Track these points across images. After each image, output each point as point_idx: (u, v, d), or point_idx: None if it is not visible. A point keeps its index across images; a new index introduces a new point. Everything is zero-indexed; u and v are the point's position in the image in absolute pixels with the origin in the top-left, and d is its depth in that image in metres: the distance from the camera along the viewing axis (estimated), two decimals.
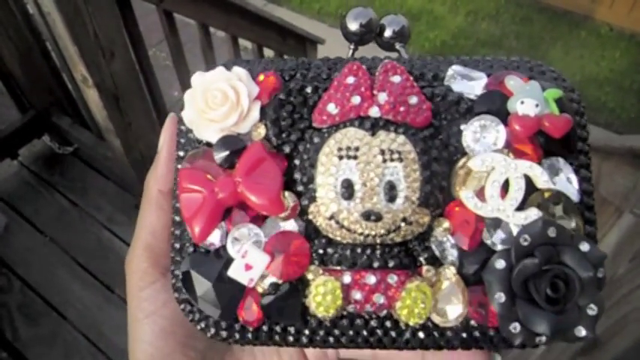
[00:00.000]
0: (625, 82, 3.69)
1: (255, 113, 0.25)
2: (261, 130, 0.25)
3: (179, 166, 0.26)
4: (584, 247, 0.23)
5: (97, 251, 1.84)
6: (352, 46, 0.30)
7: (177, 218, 0.26)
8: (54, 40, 1.49)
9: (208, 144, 0.25)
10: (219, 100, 0.24)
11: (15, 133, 1.94)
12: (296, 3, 4.25)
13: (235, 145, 0.24)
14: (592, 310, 0.23)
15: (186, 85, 1.49)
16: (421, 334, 0.24)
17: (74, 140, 2.03)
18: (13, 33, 1.69)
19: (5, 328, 1.65)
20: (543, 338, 0.23)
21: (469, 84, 0.25)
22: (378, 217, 0.23)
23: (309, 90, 0.25)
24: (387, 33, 0.30)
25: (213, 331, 0.25)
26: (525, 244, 0.22)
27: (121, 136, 1.53)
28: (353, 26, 0.29)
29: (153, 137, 1.67)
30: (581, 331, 0.23)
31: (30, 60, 1.78)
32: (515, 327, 0.23)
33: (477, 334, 0.24)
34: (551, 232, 0.22)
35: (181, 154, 0.26)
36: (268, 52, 2.21)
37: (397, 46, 0.30)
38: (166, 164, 0.28)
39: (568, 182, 0.24)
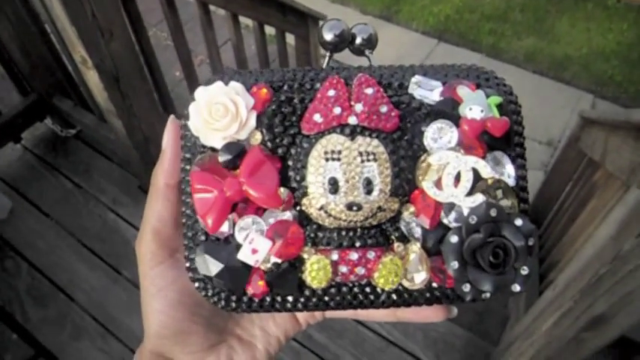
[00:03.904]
0: (632, 55, 3.63)
1: (252, 122, 0.30)
2: (258, 136, 0.30)
3: (188, 167, 0.30)
4: (518, 222, 0.29)
5: (103, 233, 1.85)
6: (328, 54, 0.35)
7: (188, 212, 0.30)
8: (52, 22, 1.47)
9: (212, 149, 0.30)
10: (222, 113, 0.29)
11: (17, 117, 1.94)
12: None
13: (237, 150, 0.29)
14: (524, 270, 0.29)
15: (186, 64, 1.48)
16: (394, 296, 0.30)
17: (76, 123, 2.03)
18: (11, 16, 1.67)
19: (15, 311, 1.68)
20: (488, 294, 0.29)
21: (428, 92, 0.30)
22: (359, 208, 0.29)
23: (296, 100, 0.30)
24: (358, 40, 0.35)
25: (224, 303, 0.30)
26: (473, 222, 0.28)
27: (122, 117, 1.52)
28: (328, 37, 0.34)
29: (155, 118, 1.67)
30: (517, 287, 0.29)
31: (29, 43, 1.77)
32: (467, 287, 0.29)
33: (437, 293, 0.30)
34: (493, 212, 0.28)
35: (187, 155, 0.31)
36: (269, 30, 2.19)
37: (366, 52, 0.35)
38: (172, 162, 0.32)
39: (506, 170, 0.30)
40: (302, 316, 0.37)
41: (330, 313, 0.36)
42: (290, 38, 2.39)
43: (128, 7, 1.56)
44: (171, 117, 0.33)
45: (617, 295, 0.93)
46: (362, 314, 0.34)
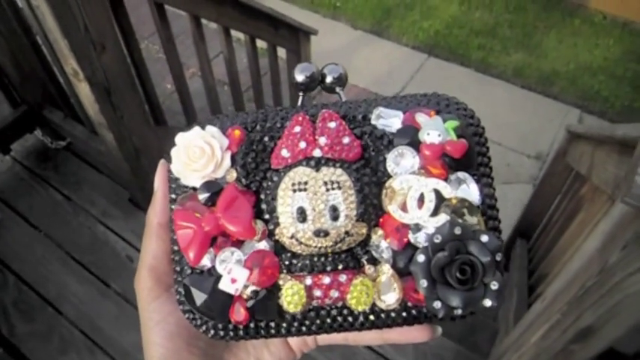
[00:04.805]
0: (618, 70, 3.69)
1: (227, 161, 0.32)
2: (233, 174, 0.32)
3: (173, 207, 0.33)
4: (484, 238, 0.29)
5: (92, 245, 1.83)
6: (301, 94, 0.37)
7: (176, 248, 0.32)
8: (44, 34, 1.48)
9: (194, 188, 0.32)
10: (198, 155, 0.31)
11: (7, 128, 1.93)
12: None
13: (214, 188, 0.32)
14: (494, 285, 0.29)
15: (178, 77, 1.48)
16: (372, 317, 0.31)
17: (67, 134, 2.02)
18: (2, 27, 1.67)
19: (1, 324, 1.65)
20: (459, 310, 0.30)
21: (389, 121, 0.32)
22: (326, 233, 0.30)
23: (267, 139, 0.32)
24: (328, 80, 0.37)
25: (212, 332, 0.32)
26: (438, 241, 0.29)
27: (113, 129, 1.52)
28: (299, 78, 0.36)
29: (146, 131, 1.67)
30: (487, 302, 0.29)
31: (20, 54, 1.76)
32: (437, 304, 0.29)
33: (413, 312, 0.31)
34: (457, 231, 0.29)
35: (173, 196, 0.33)
36: (261, 44, 2.20)
37: (337, 89, 0.37)
38: (162, 202, 0.34)
39: (470, 190, 0.31)
40: (295, 344, 0.38)
41: (321, 340, 0.37)
42: (281, 52, 2.42)
43: (120, 20, 1.57)
44: (162, 161, 0.35)
45: (604, 308, 0.94)
46: (351, 339, 0.36)
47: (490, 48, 3.87)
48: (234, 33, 1.97)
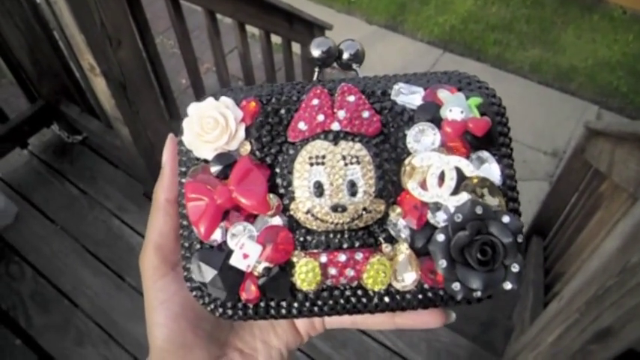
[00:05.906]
0: (638, 66, 3.63)
1: (241, 133, 0.31)
2: (247, 147, 0.31)
3: (183, 180, 0.32)
4: (505, 219, 0.29)
5: (107, 239, 1.85)
6: (317, 69, 0.36)
7: (185, 222, 0.31)
8: (61, 29, 1.49)
9: (205, 160, 0.31)
10: (212, 125, 0.30)
11: (24, 123, 1.95)
12: None
13: (227, 160, 0.31)
14: (515, 267, 0.29)
15: (193, 72, 1.48)
16: (387, 299, 0.30)
17: (83, 129, 2.03)
18: (20, 23, 1.68)
19: (19, 316, 1.67)
20: (479, 293, 0.29)
21: (410, 97, 0.31)
22: (344, 209, 0.29)
23: (283, 112, 0.31)
24: (345, 56, 0.36)
25: (220, 310, 0.31)
26: (458, 220, 0.29)
27: (129, 124, 1.53)
28: (316, 53, 0.35)
29: (161, 125, 1.67)
30: (508, 285, 0.29)
31: (38, 49, 1.78)
32: (456, 286, 0.29)
33: (430, 294, 0.30)
34: (479, 210, 0.28)
35: (183, 169, 0.32)
36: (276, 39, 2.20)
37: (354, 66, 0.36)
38: (170, 177, 0.33)
39: (491, 169, 0.30)
40: (303, 327, 0.37)
41: (329, 323, 0.36)
42: (296, 47, 2.41)
43: (136, 15, 1.57)
44: (170, 135, 0.34)
45: (624, 308, 0.92)
46: (360, 322, 0.34)
47: (507, 43, 3.82)
48: (248, 28, 1.97)
